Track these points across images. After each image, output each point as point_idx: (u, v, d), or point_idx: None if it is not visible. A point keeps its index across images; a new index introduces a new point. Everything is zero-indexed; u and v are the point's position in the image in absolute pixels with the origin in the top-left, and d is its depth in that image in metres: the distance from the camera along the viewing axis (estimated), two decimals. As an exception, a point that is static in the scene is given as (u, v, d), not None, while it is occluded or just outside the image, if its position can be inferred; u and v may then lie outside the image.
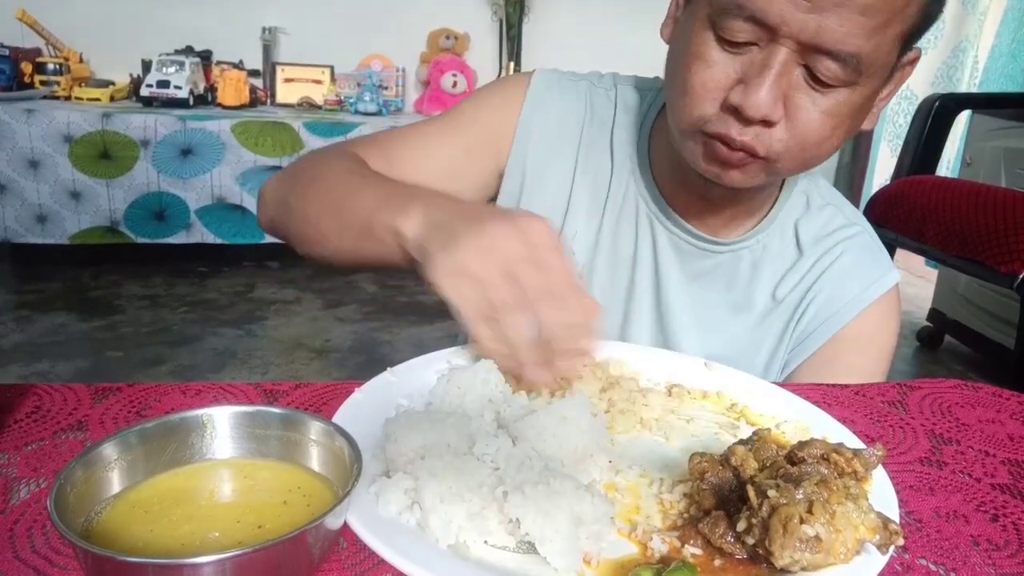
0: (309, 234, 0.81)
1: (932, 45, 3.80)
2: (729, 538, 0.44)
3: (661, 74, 0.82)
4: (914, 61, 0.74)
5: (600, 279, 0.91)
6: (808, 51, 0.66)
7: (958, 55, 3.76)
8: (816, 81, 0.68)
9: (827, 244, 0.89)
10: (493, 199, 0.93)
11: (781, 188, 0.90)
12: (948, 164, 3.49)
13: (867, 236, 0.92)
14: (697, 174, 0.77)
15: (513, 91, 0.92)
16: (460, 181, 0.90)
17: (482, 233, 0.60)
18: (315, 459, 0.47)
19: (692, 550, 0.45)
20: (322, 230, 0.78)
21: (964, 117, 3.03)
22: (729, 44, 0.69)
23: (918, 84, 3.81)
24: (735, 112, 0.69)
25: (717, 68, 0.70)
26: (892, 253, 2.36)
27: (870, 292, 0.87)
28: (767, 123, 0.69)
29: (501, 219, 0.62)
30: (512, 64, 3.88)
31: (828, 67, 0.66)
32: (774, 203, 0.90)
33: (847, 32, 0.64)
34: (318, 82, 3.73)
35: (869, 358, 0.87)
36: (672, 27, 0.80)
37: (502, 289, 0.59)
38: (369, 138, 0.93)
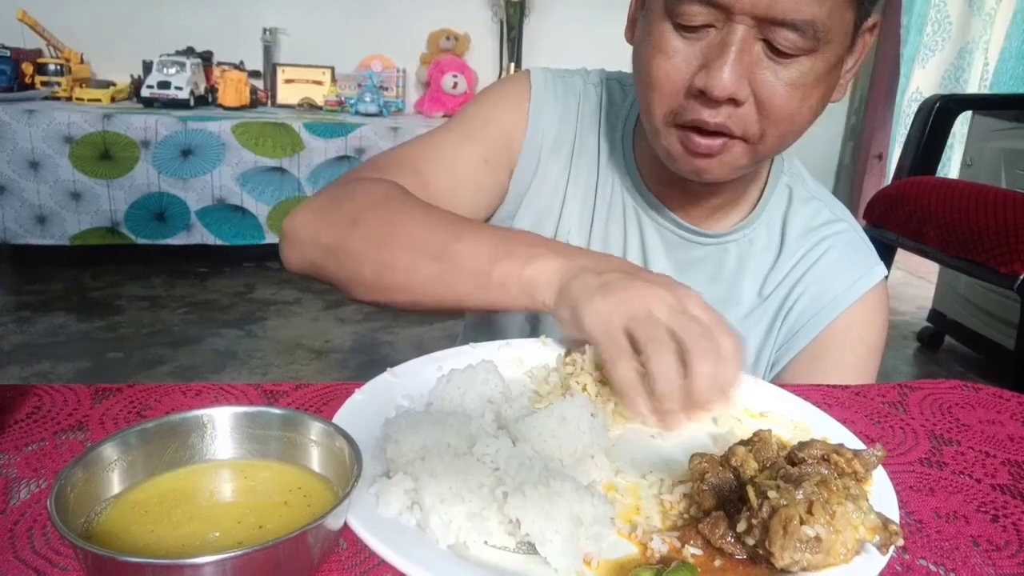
0: (390, 281, 0.74)
1: (939, 47, 3.81)
2: (729, 539, 0.44)
3: None
4: (873, 28, 0.75)
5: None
6: (765, 24, 0.67)
7: (964, 56, 3.76)
8: (777, 53, 0.69)
9: (813, 239, 0.90)
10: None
11: (766, 183, 0.91)
12: (955, 165, 3.49)
13: (853, 232, 0.92)
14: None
15: (517, 93, 0.92)
16: (483, 191, 0.90)
17: (641, 283, 0.62)
18: (315, 460, 0.47)
19: (692, 551, 0.45)
20: (414, 277, 0.72)
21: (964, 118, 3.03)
22: (686, 30, 0.70)
23: (927, 86, 3.82)
24: (701, 96, 0.70)
25: (678, 57, 0.71)
26: (892, 253, 2.37)
27: (856, 288, 0.87)
28: (735, 102, 0.70)
29: (656, 277, 0.65)
30: (512, 65, 3.88)
31: (787, 37, 0.67)
32: (760, 197, 0.90)
33: (800, 0, 0.65)
34: (319, 83, 3.73)
35: (857, 355, 0.87)
36: (632, 29, 0.81)
37: (656, 327, 0.58)
38: (393, 159, 0.90)
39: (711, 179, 0.77)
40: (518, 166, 0.91)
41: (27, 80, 3.37)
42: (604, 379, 0.62)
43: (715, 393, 0.57)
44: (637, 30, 0.79)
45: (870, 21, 0.74)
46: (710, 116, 0.71)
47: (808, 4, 0.66)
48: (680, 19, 0.70)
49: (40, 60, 3.39)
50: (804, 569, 0.41)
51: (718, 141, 0.73)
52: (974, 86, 3.74)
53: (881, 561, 0.42)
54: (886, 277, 0.90)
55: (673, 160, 0.77)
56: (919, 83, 3.83)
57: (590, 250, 0.72)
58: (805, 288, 0.88)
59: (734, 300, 0.90)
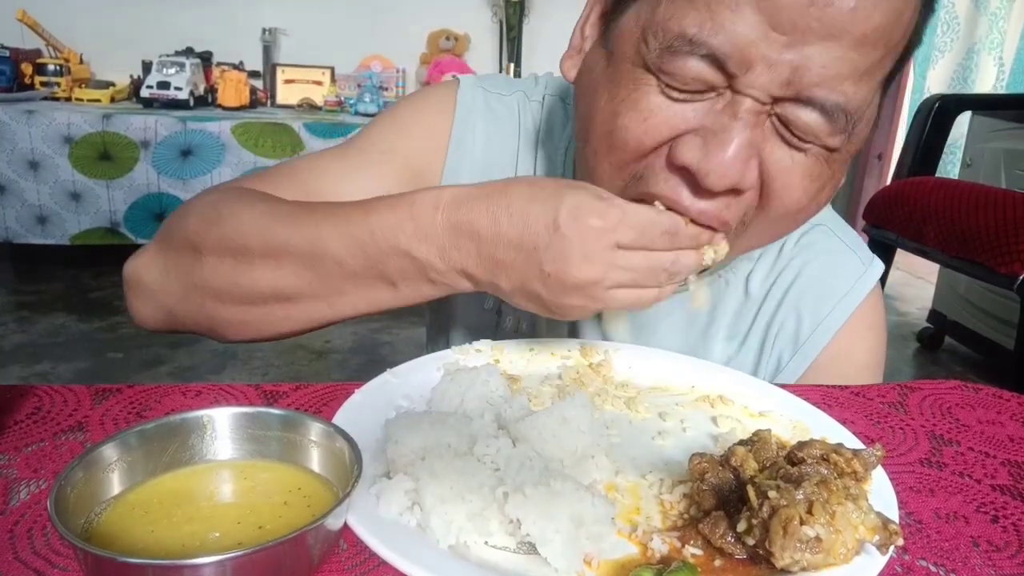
0: (264, 315, 0.61)
1: (948, 47, 3.82)
2: (729, 538, 0.44)
3: None
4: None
5: (543, 332, 0.80)
6: (783, 100, 0.52)
7: (972, 56, 3.77)
8: (792, 135, 0.54)
9: (784, 262, 0.78)
10: None
11: None
12: (955, 165, 3.50)
13: (832, 237, 0.79)
14: None
15: (437, 115, 0.79)
16: None
17: (583, 252, 0.52)
18: (315, 460, 0.47)
19: (692, 550, 0.45)
20: (297, 305, 0.60)
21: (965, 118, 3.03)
22: (677, 91, 0.54)
23: (936, 86, 3.83)
24: (685, 174, 0.55)
25: (658, 118, 0.54)
26: (892, 253, 2.37)
27: (843, 308, 0.77)
28: (736, 192, 0.55)
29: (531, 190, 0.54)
30: (512, 65, 3.88)
31: (807, 120, 0.52)
32: None
33: (835, 74, 0.50)
34: (318, 83, 3.73)
35: (850, 380, 0.73)
36: (577, 60, 0.65)
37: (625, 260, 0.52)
38: (273, 171, 0.76)
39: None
40: None
41: (26, 80, 3.37)
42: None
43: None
44: (587, 66, 0.63)
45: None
46: (692, 203, 0.55)
47: (844, 80, 0.50)
48: (670, 78, 0.53)
49: (39, 60, 3.39)
50: (804, 569, 0.41)
51: (698, 232, 0.56)
52: (982, 86, 3.74)
53: (881, 561, 0.42)
54: (881, 280, 0.80)
55: None
56: (930, 83, 3.84)
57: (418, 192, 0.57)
58: (788, 312, 0.78)
59: (706, 349, 0.79)
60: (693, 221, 0.56)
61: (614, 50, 0.58)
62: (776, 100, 0.52)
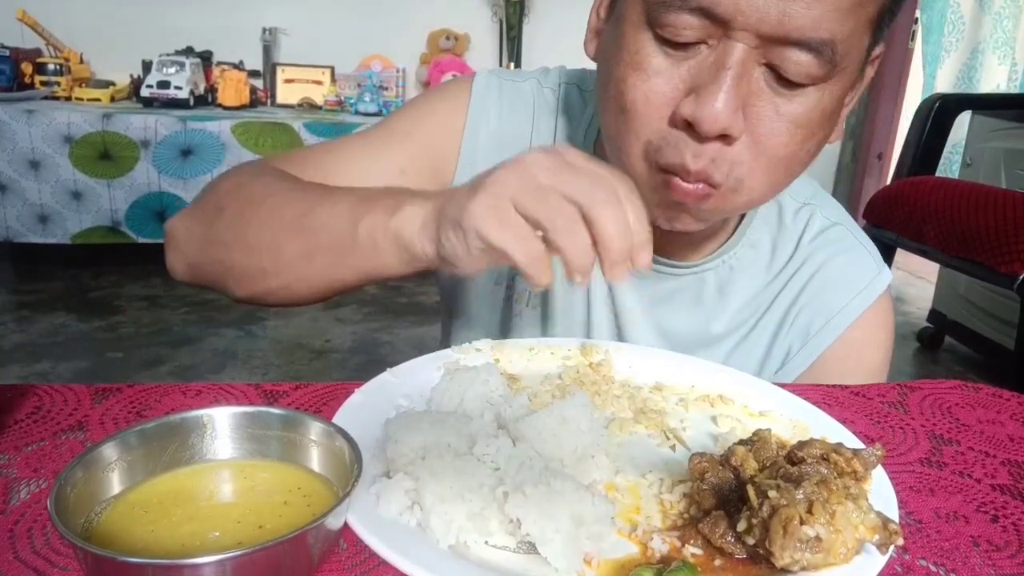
0: (258, 266, 0.66)
1: (954, 47, 3.83)
2: (729, 538, 0.44)
3: None
4: (876, 60, 0.66)
5: (554, 314, 0.83)
6: (771, 45, 0.56)
7: (976, 56, 3.77)
8: (781, 82, 0.58)
9: (805, 253, 0.82)
10: None
11: None
12: (955, 165, 3.50)
13: (851, 237, 0.83)
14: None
15: (454, 100, 0.83)
16: None
17: (513, 164, 0.52)
18: (315, 460, 0.47)
19: (692, 550, 0.45)
20: (279, 257, 0.64)
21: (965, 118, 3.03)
22: (672, 46, 0.59)
23: (943, 86, 3.84)
24: (688, 128, 0.60)
25: (661, 78, 0.60)
26: (892, 254, 2.37)
27: (856, 305, 0.80)
28: (726, 138, 0.59)
29: (523, 155, 0.53)
30: (512, 65, 3.88)
31: (798, 60, 0.57)
32: (740, 219, 0.82)
33: (818, 15, 0.55)
34: (318, 83, 3.73)
35: (858, 379, 0.77)
36: (596, 42, 0.70)
37: (544, 195, 0.50)
38: (295, 154, 0.82)
39: (682, 229, 0.68)
40: (455, 181, 0.82)
41: (26, 80, 3.37)
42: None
43: (628, 239, 0.51)
44: (603, 43, 0.68)
45: (876, 50, 0.65)
46: (693, 159, 0.60)
47: (828, 20, 0.55)
48: (665, 31, 0.58)
49: (39, 60, 3.39)
50: (804, 569, 0.41)
51: (696, 187, 0.62)
52: (987, 85, 3.75)
53: (881, 561, 0.42)
54: (889, 285, 0.83)
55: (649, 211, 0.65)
56: (937, 84, 3.85)
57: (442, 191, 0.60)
58: (802, 307, 0.81)
59: (719, 331, 0.82)
60: (689, 180, 0.62)
61: (621, 14, 0.63)
62: (764, 43, 0.57)
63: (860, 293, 0.80)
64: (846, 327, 0.80)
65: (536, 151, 0.53)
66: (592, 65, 0.77)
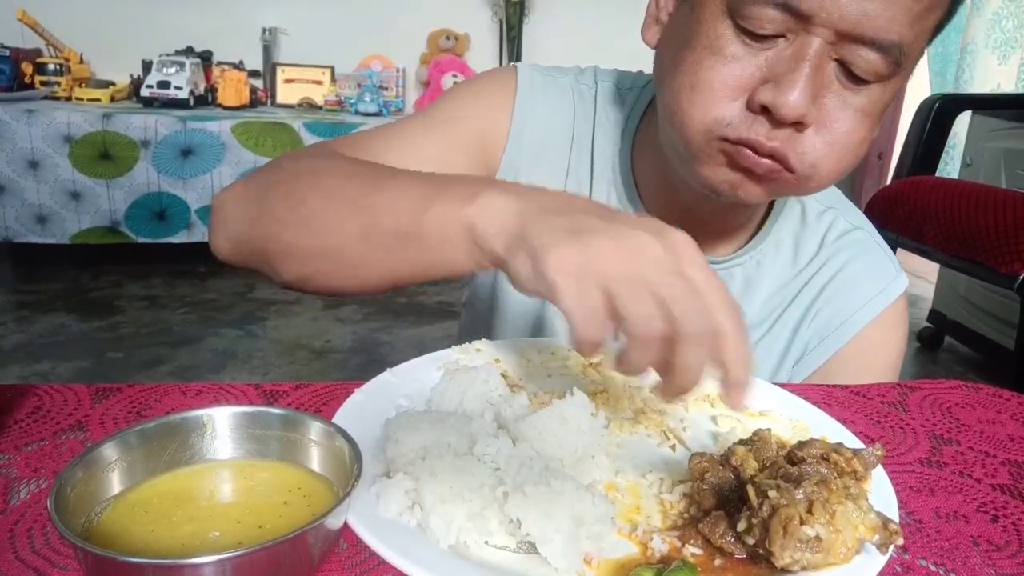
0: (309, 245, 0.61)
1: (954, 47, 3.82)
2: (729, 538, 0.44)
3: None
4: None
5: None
6: (845, 42, 0.60)
7: (965, 57, 3.78)
8: (850, 77, 0.62)
9: (828, 253, 0.85)
10: None
11: (773, 200, 0.85)
12: (955, 165, 3.50)
13: (871, 241, 0.87)
14: (688, 188, 0.72)
15: (501, 90, 0.84)
16: None
17: (620, 233, 0.46)
18: (315, 460, 0.47)
19: (692, 550, 0.45)
20: (335, 237, 0.59)
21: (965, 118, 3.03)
22: (752, 37, 0.62)
23: (943, 86, 3.83)
24: (764, 112, 0.63)
25: (738, 64, 0.63)
26: (892, 253, 2.36)
27: (873, 306, 0.83)
28: (799, 125, 0.63)
29: (640, 221, 0.48)
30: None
31: (868, 58, 0.60)
32: (766, 216, 0.85)
33: (892, 17, 0.58)
34: (318, 83, 3.73)
35: (870, 377, 0.78)
36: (656, 29, 0.73)
37: (641, 296, 0.44)
38: (348, 139, 0.80)
39: (744, 199, 0.69)
40: (501, 167, 0.83)
41: (26, 80, 3.37)
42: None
43: (698, 386, 0.46)
44: (668, 29, 0.71)
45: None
46: (767, 137, 0.63)
47: (899, 24, 0.59)
48: (748, 23, 0.61)
49: (39, 60, 3.39)
50: (804, 568, 0.41)
51: (766, 163, 0.65)
52: (984, 85, 3.75)
53: (881, 561, 0.42)
54: (906, 290, 0.85)
55: (705, 177, 0.68)
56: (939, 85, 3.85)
57: (545, 188, 0.53)
58: (822, 305, 0.84)
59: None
60: (761, 155, 0.64)
61: (700, 4, 0.65)
62: (840, 39, 0.60)
63: (878, 295, 0.83)
64: (863, 327, 0.83)
65: (648, 225, 0.47)
66: (624, 66, 0.84)
